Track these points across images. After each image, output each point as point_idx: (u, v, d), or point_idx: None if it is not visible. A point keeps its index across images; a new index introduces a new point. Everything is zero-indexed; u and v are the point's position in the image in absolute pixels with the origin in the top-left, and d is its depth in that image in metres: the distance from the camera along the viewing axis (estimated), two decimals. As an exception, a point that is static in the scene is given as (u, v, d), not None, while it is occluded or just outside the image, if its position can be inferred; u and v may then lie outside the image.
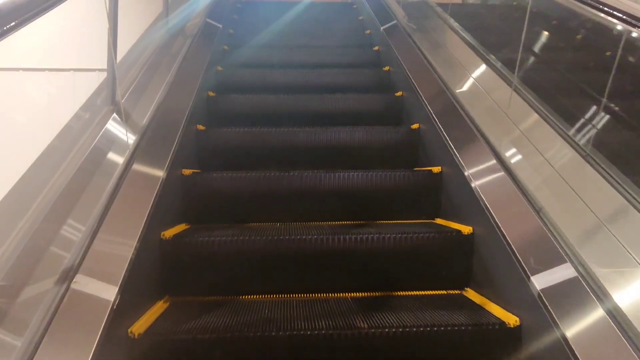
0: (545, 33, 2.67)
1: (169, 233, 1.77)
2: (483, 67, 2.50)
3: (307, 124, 2.58)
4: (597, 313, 1.17)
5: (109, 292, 1.27)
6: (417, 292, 1.81)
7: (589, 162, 1.60)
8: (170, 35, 2.93)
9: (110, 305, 1.23)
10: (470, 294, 1.77)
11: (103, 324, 1.17)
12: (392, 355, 1.42)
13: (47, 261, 1.26)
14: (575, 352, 1.11)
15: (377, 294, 1.81)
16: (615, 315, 1.14)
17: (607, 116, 1.87)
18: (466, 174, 1.86)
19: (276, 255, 1.80)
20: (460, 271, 1.82)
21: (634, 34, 1.61)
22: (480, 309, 1.59)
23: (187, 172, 2.15)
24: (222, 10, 4.08)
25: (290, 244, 1.80)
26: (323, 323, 1.45)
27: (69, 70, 4.31)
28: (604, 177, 1.52)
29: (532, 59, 2.57)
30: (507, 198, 1.65)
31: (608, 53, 1.92)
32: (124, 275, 1.33)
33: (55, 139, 1.62)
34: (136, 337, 1.35)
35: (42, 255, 1.26)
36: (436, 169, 2.21)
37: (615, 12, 1.51)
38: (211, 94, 2.95)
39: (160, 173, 1.81)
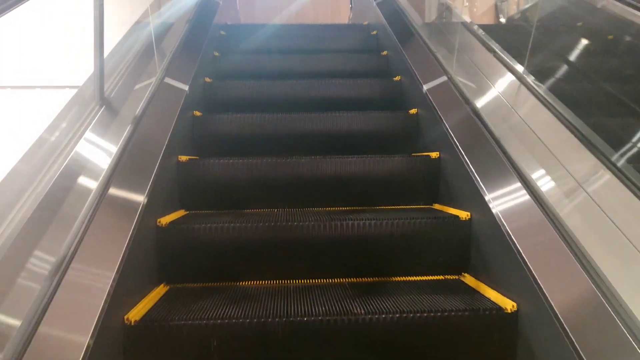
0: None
1: (165, 220, 1.76)
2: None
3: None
4: (594, 298, 1.16)
5: (105, 280, 1.26)
6: (415, 278, 1.81)
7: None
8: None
9: (106, 293, 1.22)
10: (468, 279, 1.77)
11: (99, 312, 1.17)
12: (389, 341, 1.42)
13: (43, 247, 1.25)
14: (572, 337, 1.11)
15: (374, 279, 1.81)
16: (612, 301, 1.14)
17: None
18: (463, 159, 1.85)
19: (274, 242, 1.79)
20: (458, 256, 1.82)
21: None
22: (477, 294, 1.59)
23: (183, 158, 2.14)
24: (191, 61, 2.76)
25: (287, 230, 1.79)
26: (320, 309, 1.45)
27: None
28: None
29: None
30: (505, 183, 1.64)
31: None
32: (119, 262, 1.33)
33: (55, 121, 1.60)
34: (132, 324, 1.35)
35: (38, 242, 1.25)
36: (434, 154, 2.20)
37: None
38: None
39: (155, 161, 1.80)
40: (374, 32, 4.02)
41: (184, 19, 3.14)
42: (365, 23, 4.54)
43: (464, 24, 2.79)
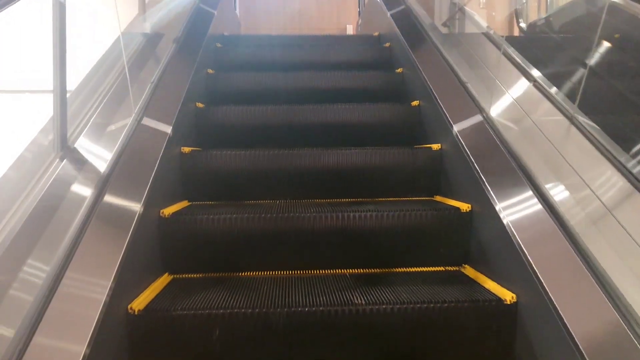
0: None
1: (168, 211, 1.78)
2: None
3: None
4: (594, 291, 1.17)
5: (108, 269, 1.28)
6: (415, 269, 1.83)
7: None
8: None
9: (110, 282, 1.24)
10: (468, 270, 1.78)
11: (103, 301, 1.18)
12: (389, 331, 1.44)
13: (46, 239, 1.26)
14: (570, 329, 1.12)
15: (375, 270, 1.82)
16: (611, 293, 1.15)
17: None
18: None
19: (275, 233, 1.80)
20: (458, 248, 1.83)
21: None
22: (477, 285, 1.60)
23: (186, 149, 2.15)
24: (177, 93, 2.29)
25: (289, 221, 1.80)
26: (321, 300, 1.46)
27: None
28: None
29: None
30: (505, 174, 1.65)
31: None
32: (123, 252, 1.34)
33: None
34: (136, 313, 1.36)
35: (42, 233, 1.27)
36: (436, 146, 2.21)
37: None
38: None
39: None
40: (387, 44, 3.61)
41: (170, 38, 2.71)
42: (376, 34, 4.08)
43: (492, 39, 2.43)
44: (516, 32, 3.67)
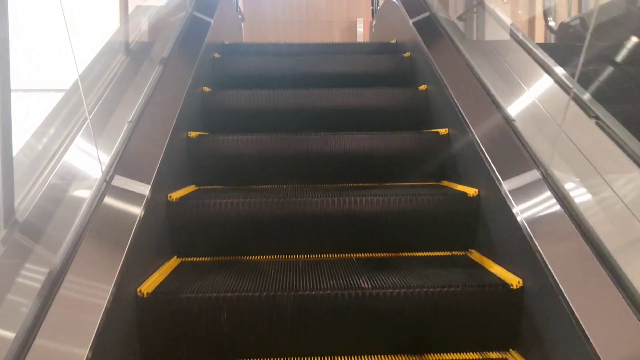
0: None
1: (175, 195, 1.79)
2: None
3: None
4: (601, 276, 1.17)
5: (117, 252, 1.29)
6: (422, 253, 1.83)
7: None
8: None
9: (120, 265, 1.25)
10: (475, 255, 1.78)
11: (113, 284, 1.20)
12: (395, 315, 1.45)
13: (56, 221, 1.28)
14: (577, 314, 1.12)
15: (381, 254, 1.83)
16: (618, 278, 1.15)
17: None
18: (473, 135, 1.84)
19: (282, 217, 1.81)
20: (465, 233, 1.83)
21: None
22: (483, 270, 1.61)
23: (193, 134, 2.16)
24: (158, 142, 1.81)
25: (296, 205, 1.81)
26: (328, 284, 1.47)
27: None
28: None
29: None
30: (513, 158, 1.64)
31: None
32: (131, 235, 1.35)
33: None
34: (145, 296, 1.38)
35: (54, 213, 1.28)
36: (443, 131, 2.20)
37: None
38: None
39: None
40: (407, 54, 3.07)
41: (157, 58, 2.28)
42: (393, 41, 3.57)
43: (542, 63, 2.01)
44: (538, 30, 3.47)
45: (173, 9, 2.82)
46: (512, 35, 2.37)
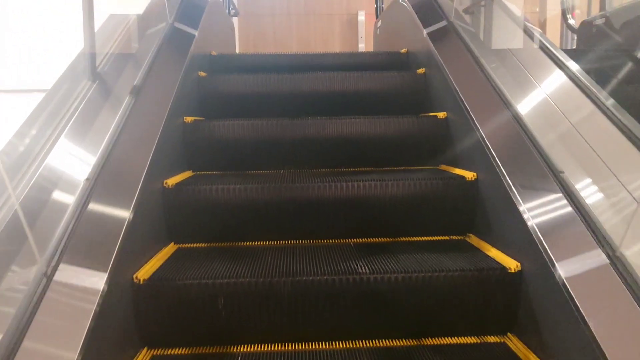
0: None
1: (171, 181, 1.77)
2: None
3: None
4: (600, 259, 1.17)
5: (113, 238, 1.28)
6: (420, 238, 1.83)
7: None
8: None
9: (115, 251, 1.24)
10: (473, 239, 1.78)
11: (108, 270, 1.19)
12: (393, 300, 1.44)
13: (50, 207, 1.27)
14: (574, 297, 1.12)
15: (379, 239, 1.83)
16: (617, 263, 1.14)
17: None
18: (471, 119, 1.82)
19: (280, 202, 1.80)
20: (463, 217, 1.82)
21: None
22: (482, 254, 1.60)
23: (189, 119, 2.13)
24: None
25: (293, 191, 1.80)
26: (326, 269, 1.47)
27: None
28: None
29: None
30: (511, 143, 1.63)
31: None
32: (127, 222, 1.34)
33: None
34: (141, 282, 1.37)
35: (48, 199, 1.27)
36: (441, 115, 2.18)
37: None
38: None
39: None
40: (421, 71, 2.58)
41: (127, 86, 1.86)
42: (404, 51, 3.05)
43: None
44: (553, 27, 3.28)
45: (149, 20, 2.38)
46: (535, 39, 2.03)
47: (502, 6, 2.33)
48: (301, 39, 7.08)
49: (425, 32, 2.53)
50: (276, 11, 7.01)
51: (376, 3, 5.19)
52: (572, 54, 1.79)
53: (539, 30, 2.10)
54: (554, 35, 3.54)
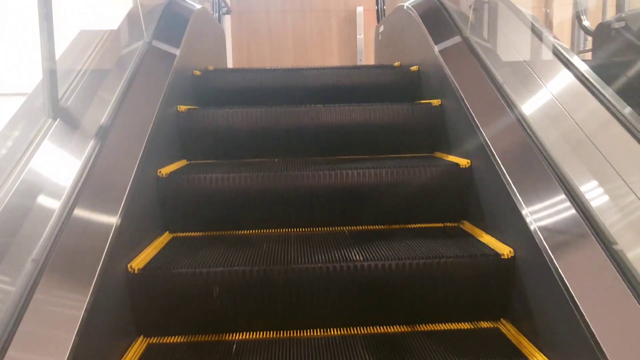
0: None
1: (165, 170, 1.77)
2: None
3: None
4: (592, 244, 1.17)
5: (105, 228, 1.28)
6: (414, 225, 1.83)
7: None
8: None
9: (109, 241, 1.24)
10: (467, 226, 1.78)
11: (102, 260, 1.19)
12: (388, 287, 1.45)
13: (46, 191, 1.26)
14: (567, 283, 1.13)
15: (374, 227, 1.83)
16: (609, 248, 1.15)
17: None
18: (466, 106, 1.82)
19: (274, 191, 1.80)
20: (457, 204, 1.83)
21: None
22: (475, 240, 1.61)
23: (182, 108, 2.12)
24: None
25: (288, 179, 1.80)
26: (320, 257, 1.47)
27: None
28: None
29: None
30: (505, 131, 1.63)
31: None
32: (120, 211, 1.34)
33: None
34: (136, 272, 1.37)
35: (39, 193, 1.26)
36: (436, 102, 2.17)
37: None
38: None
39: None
40: (436, 103, 2.18)
41: (92, 129, 1.53)
42: (414, 69, 2.60)
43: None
44: (561, 29, 3.09)
45: (124, 38, 2.06)
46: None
47: (524, 20, 2.01)
48: (297, 36, 6.78)
49: (436, 49, 2.21)
50: (270, 7, 6.68)
51: (377, 4, 4.62)
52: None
53: (566, 46, 1.80)
54: (564, 36, 3.43)
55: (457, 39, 2.17)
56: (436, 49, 2.21)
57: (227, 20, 6.34)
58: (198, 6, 2.85)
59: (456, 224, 1.83)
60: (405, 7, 2.82)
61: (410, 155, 2.18)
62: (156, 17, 2.30)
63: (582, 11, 3.01)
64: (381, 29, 3.89)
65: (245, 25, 6.73)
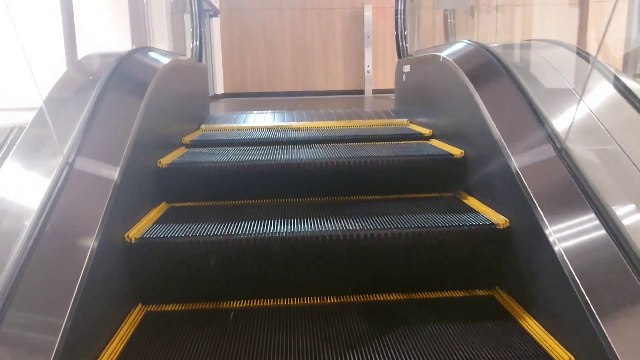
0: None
1: (165, 160, 1.77)
2: None
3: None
4: (587, 214, 1.18)
5: (101, 198, 1.27)
6: (411, 195, 1.84)
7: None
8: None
9: (104, 209, 1.24)
10: (463, 196, 1.79)
11: (97, 229, 1.18)
12: (384, 256, 1.46)
13: (43, 150, 1.26)
14: (562, 251, 1.13)
15: (372, 197, 1.83)
16: (605, 217, 1.15)
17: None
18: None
19: (272, 175, 1.83)
20: (454, 175, 1.83)
21: None
22: (472, 211, 1.61)
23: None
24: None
25: (288, 166, 1.83)
26: (316, 226, 1.47)
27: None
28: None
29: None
30: (504, 99, 1.61)
31: None
32: (115, 179, 1.33)
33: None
34: (133, 241, 1.38)
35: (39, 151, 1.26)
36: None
37: None
38: None
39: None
40: (504, 225, 1.43)
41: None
42: (459, 154, 1.83)
43: None
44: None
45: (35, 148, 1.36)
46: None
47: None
48: (296, 38, 6.11)
49: (476, 96, 1.65)
50: (266, 5, 5.96)
51: (396, 29, 3.47)
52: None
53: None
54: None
55: (547, 147, 1.39)
56: (514, 163, 1.39)
57: (214, 23, 5.66)
58: (165, 61, 2.00)
59: (452, 194, 1.84)
60: (451, 66, 1.91)
61: (407, 142, 2.16)
62: (85, 106, 1.47)
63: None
64: (407, 69, 3.02)
65: (237, 25, 6.04)
